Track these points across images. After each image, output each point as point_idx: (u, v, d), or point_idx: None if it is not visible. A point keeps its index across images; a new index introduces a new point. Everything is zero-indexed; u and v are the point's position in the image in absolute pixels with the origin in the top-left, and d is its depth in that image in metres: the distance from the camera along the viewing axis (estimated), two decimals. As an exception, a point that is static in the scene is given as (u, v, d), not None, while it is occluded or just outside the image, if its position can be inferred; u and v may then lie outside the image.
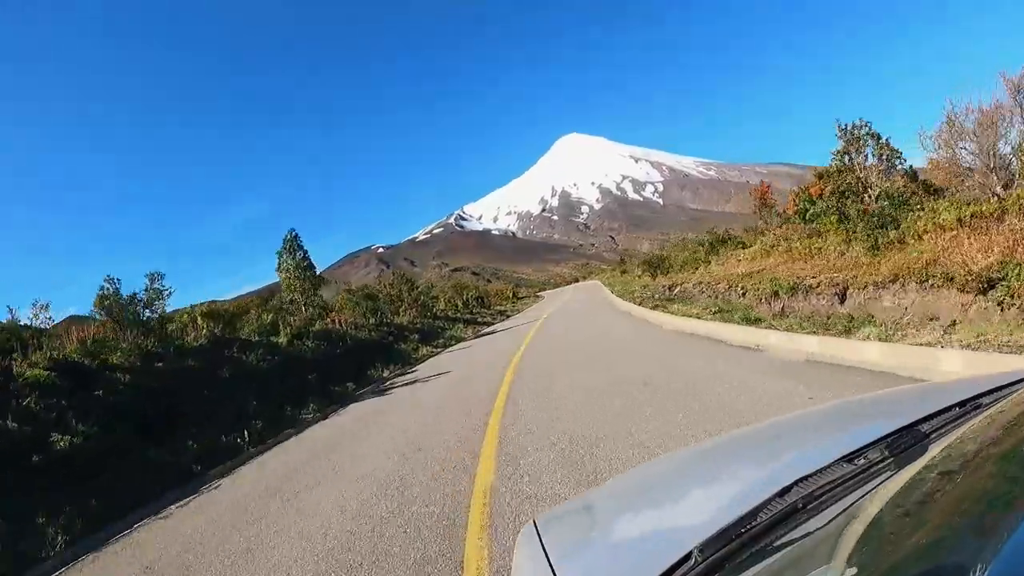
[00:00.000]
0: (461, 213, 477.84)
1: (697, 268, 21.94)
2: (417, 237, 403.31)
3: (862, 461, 0.93)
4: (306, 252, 21.19)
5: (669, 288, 20.06)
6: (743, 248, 20.23)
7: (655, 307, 15.23)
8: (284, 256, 20.96)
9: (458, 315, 29.37)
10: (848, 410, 1.53)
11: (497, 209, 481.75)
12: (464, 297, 34.48)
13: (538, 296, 64.76)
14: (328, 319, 19.67)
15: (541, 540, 1.05)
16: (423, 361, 16.40)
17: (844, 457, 0.95)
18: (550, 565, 0.95)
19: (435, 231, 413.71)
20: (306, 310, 20.71)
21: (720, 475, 1.26)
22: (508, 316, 32.30)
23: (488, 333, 22.01)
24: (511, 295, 54.60)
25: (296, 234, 21.16)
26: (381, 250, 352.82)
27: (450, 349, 18.54)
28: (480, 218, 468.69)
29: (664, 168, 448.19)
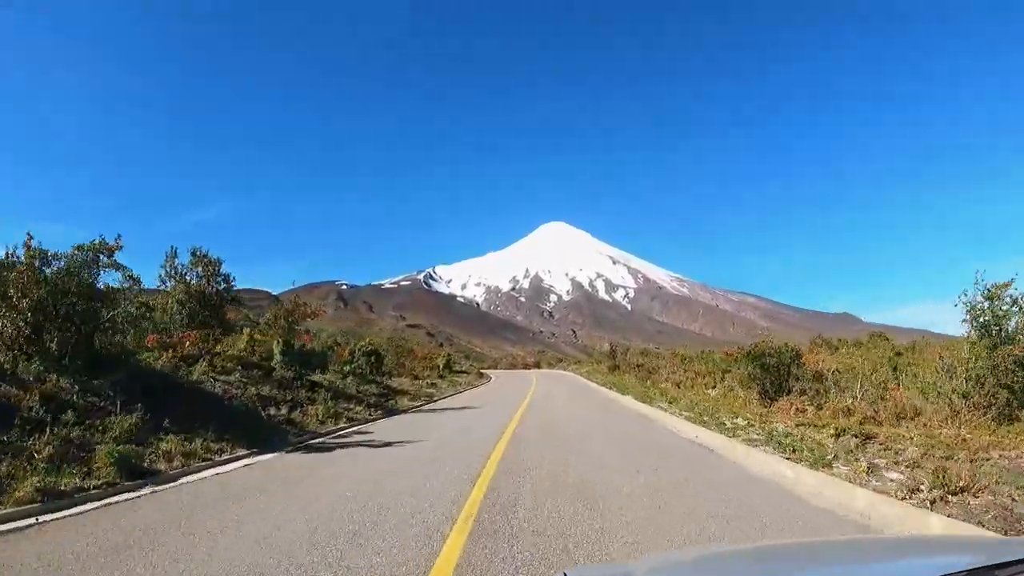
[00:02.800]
0: (431, 272, 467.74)
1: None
2: (383, 284, 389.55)
3: None
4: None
5: None
6: None
7: None
8: None
9: (264, 392, 12.96)
10: (923, 543, 1.64)
11: (468, 277, 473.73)
12: (329, 353, 20.87)
13: (481, 376, 43.53)
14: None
15: None
16: None
17: None
18: None
19: (402, 283, 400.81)
20: None
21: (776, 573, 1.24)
22: (378, 442, 19.34)
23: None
24: (441, 365, 37.17)
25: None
26: (344, 287, 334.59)
27: None
28: (449, 282, 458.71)
29: (640, 276, 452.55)
